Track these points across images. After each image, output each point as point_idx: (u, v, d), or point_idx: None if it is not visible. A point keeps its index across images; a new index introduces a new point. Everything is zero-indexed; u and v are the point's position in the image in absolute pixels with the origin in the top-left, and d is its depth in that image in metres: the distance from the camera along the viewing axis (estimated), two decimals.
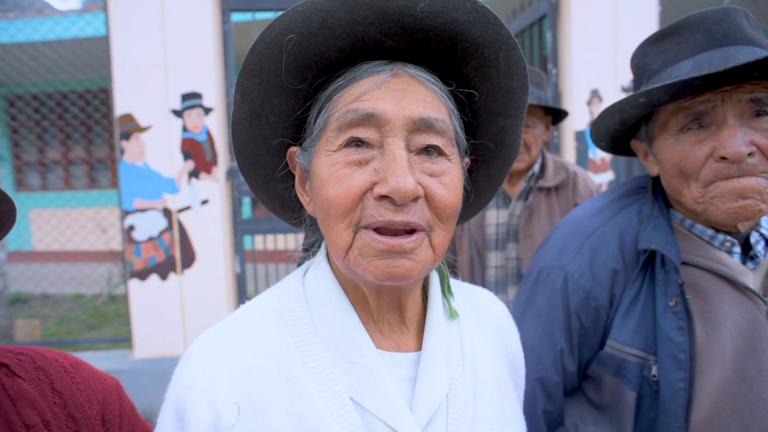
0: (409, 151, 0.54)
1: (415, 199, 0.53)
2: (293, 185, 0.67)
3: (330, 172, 0.54)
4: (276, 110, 0.60)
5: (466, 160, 0.65)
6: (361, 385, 0.57)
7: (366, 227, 0.53)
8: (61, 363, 0.74)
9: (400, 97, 0.54)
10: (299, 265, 0.71)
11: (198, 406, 0.55)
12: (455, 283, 0.72)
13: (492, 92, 0.61)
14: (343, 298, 0.60)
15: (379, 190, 0.52)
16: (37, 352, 0.74)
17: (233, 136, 0.64)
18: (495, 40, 0.57)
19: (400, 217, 0.52)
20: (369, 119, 0.53)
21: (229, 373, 0.56)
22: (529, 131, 1.82)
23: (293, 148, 0.64)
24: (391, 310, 0.62)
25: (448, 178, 0.55)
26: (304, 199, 0.64)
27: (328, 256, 0.65)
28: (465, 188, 0.62)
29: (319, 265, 0.64)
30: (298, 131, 0.64)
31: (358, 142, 0.54)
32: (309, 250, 0.70)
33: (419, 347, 0.62)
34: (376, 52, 0.57)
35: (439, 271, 0.69)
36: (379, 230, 0.53)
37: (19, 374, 0.69)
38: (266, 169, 0.67)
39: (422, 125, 0.54)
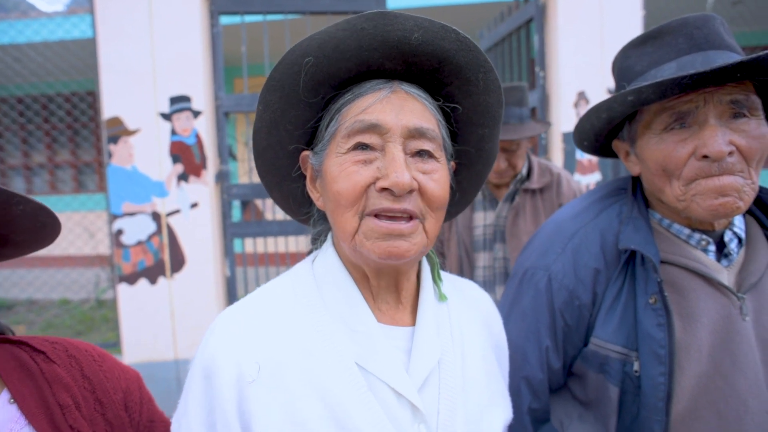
0: (405, 153, 0.64)
1: (411, 192, 0.63)
2: (304, 185, 0.77)
3: (340, 169, 0.65)
4: (293, 120, 0.71)
5: (452, 163, 0.75)
6: (364, 352, 0.66)
7: (369, 214, 0.63)
8: (90, 352, 0.81)
9: (398, 110, 0.65)
10: (308, 255, 0.81)
11: (224, 366, 0.63)
12: (445, 274, 0.82)
13: (473, 107, 0.73)
14: (348, 277, 0.70)
15: (382, 183, 0.62)
16: (69, 342, 0.81)
17: (254, 142, 0.74)
18: (475, 64, 0.68)
19: (398, 206, 0.62)
20: (373, 128, 0.64)
21: (250, 339, 0.66)
22: (513, 154, 1.86)
23: (305, 152, 0.74)
24: (389, 289, 0.72)
25: (437, 176, 0.66)
26: (314, 195, 0.74)
27: (333, 244, 0.75)
28: (451, 187, 0.73)
29: (326, 251, 0.74)
30: (309, 138, 0.74)
31: (363, 146, 0.64)
32: (317, 239, 0.81)
33: (413, 323, 0.72)
34: (377, 72, 0.68)
35: (430, 259, 0.79)
36: (380, 216, 0.63)
37: (55, 360, 0.76)
38: (281, 171, 0.77)
39: (416, 133, 0.65)
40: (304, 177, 0.76)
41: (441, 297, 0.76)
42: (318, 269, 0.73)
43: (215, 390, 0.63)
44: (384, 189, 0.62)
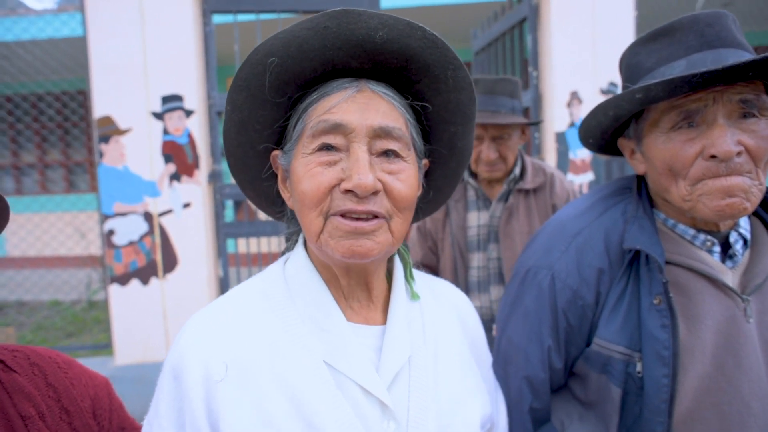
0: (371, 153, 0.64)
1: (375, 192, 0.63)
2: (276, 183, 0.77)
3: (305, 170, 0.65)
4: (261, 120, 0.70)
5: (425, 162, 0.76)
6: (333, 351, 0.66)
7: (334, 214, 0.63)
8: (54, 359, 0.78)
9: (364, 109, 0.64)
10: (281, 256, 0.81)
11: (192, 366, 0.63)
12: (418, 273, 0.83)
13: (443, 104, 0.73)
14: (317, 277, 0.71)
15: (345, 185, 0.62)
16: (31, 350, 0.77)
17: (224, 141, 0.74)
18: (443, 61, 0.68)
19: (362, 207, 0.62)
20: (338, 128, 0.63)
21: (219, 340, 0.66)
22: (504, 143, 1.84)
23: (276, 152, 0.74)
24: (359, 287, 0.72)
25: (404, 176, 0.66)
26: (284, 194, 0.74)
27: (304, 244, 0.75)
28: (423, 186, 0.74)
29: (297, 252, 0.75)
30: (279, 137, 0.74)
31: (328, 147, 0.64)
32: (290, 239, 0.81)
33: (385, 322, 0.72)
34: (344, 72, 0.67)
35: (402, 259, 0.79)
36: (344, 216, 0.63)
37: (15, 369, 0.72)
38: (253, 170, 0.77)
39: (381, 132, 0.64)
40: (276, 175, 0.76)
41: (413, 296, 0.76)
42: (289, 270, 0.73)
43: (184, 390, 0.63)
44: (348, 191, 0.62)
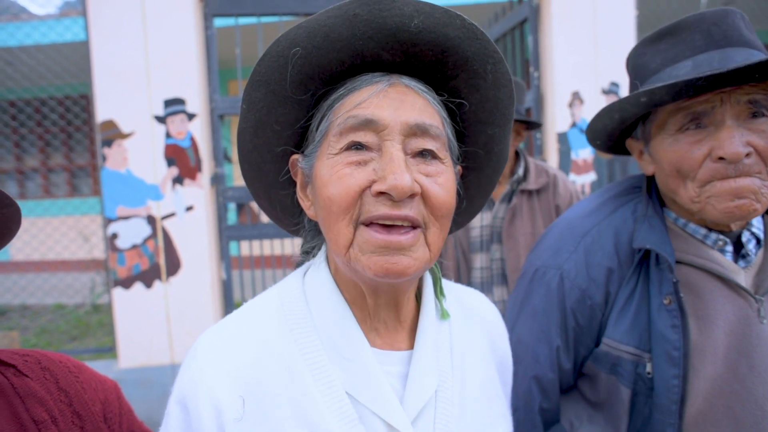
0: (406, 153, 0.57)
1: (412, 196, 0.56)
2: (294, 192, 0.70)
3: (332, 172, 0.58)
4: (280, 119, 0.64)
5: (458, 167, 0.68)
6: (355, 381, 0.60)
7: (365, 222, 0.56)
8: (65, 364, 0.77)
9: (397, 105, 0.58)
10: (297, 266, 0.73)
11: (201, 397, 0.58)
12: (446, 284, 0.75)
13: (481, 103, 0.66)
14: (340, 299, 0.64)
15: (378, 187, 0.55)
16: (42, 354, 0.77)
17: (238, 145, 0.67)
18: (483, 54, 0.61)
19: (396, 211, 0.55)
20: (368, 124, 0.57)
21: (233, 367, 0.60)
22: (512, 141, 1.86)
23: (295, 156, 0.67)
24: (387, 308, 0.65)
25: (442, 179, 0.59)
26: (305, 203, 0.67)
27: (327, 258, 0.68)
28: (458, 193, 0.66)
29: (319, 266, 0.67)
30: (299, 141, 0.67)
31: (357, 146, 0.57)
32: (308, 253, 0.74)
33: (411, 346, 0.66)
34: (374, 65, 0.61)
35: (432, 272, 0.72)
36: (376, 225, 0.56)
37: (27, 374, 0.72)
38: (269, 176, 0.70)
39: (418, 130, 0.58)
40: (294, 183, 0.69)
41: (443, 314, 0.69)
42: (309, 286, 0.66)
43: (195, 423, 0.58)
44: (381, 193, 0.55)
